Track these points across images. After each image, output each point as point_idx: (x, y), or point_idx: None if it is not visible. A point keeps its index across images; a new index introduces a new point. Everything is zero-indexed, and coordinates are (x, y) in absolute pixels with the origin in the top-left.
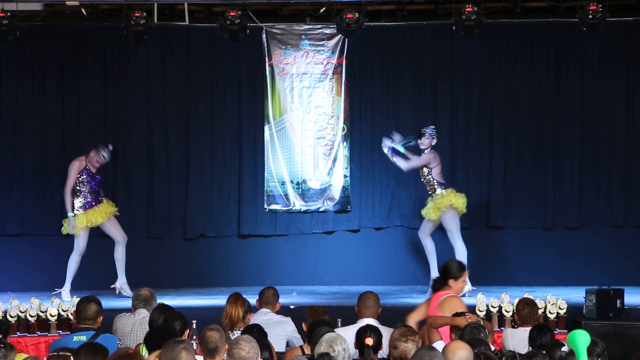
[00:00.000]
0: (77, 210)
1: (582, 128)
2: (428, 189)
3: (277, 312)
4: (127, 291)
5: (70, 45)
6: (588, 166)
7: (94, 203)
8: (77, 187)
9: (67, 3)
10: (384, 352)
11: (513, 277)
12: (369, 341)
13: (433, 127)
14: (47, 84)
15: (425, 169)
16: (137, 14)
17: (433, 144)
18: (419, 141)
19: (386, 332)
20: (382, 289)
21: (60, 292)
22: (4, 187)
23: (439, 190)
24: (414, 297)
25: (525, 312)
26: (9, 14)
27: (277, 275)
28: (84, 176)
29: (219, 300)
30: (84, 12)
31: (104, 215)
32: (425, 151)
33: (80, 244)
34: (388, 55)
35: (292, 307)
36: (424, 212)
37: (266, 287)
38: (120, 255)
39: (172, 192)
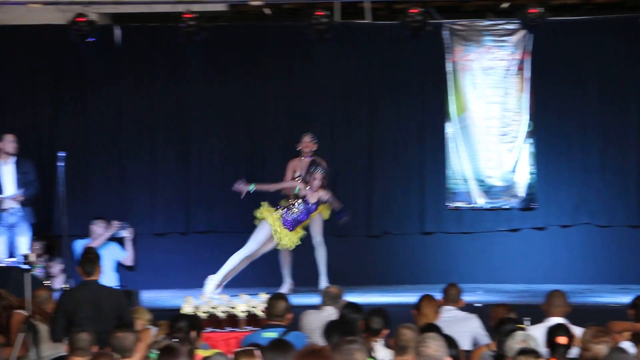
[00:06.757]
0: None
1: None
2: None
3: (461, 309)
4: None
5: (253, 45)
6: None
7: None
8: None
9: (251, 3)
10: (574, 352)
11: None
12: (563, 340)
13: None
14: (231, 83)
15: None
16: (319, 13)
17: None
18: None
19: (576, 332)
20: (570, 288)
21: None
22: (195, 183)
23: None
24: (603, 296)
25: None
26: (196, 15)
27: (462, 273)
28: None
29: (404, 297)
30: (267, 12)
31: None
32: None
33: None
34: (572, 50)
35: (477, 305)
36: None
37: (450, 284)
38: None
39: (357, 189)
